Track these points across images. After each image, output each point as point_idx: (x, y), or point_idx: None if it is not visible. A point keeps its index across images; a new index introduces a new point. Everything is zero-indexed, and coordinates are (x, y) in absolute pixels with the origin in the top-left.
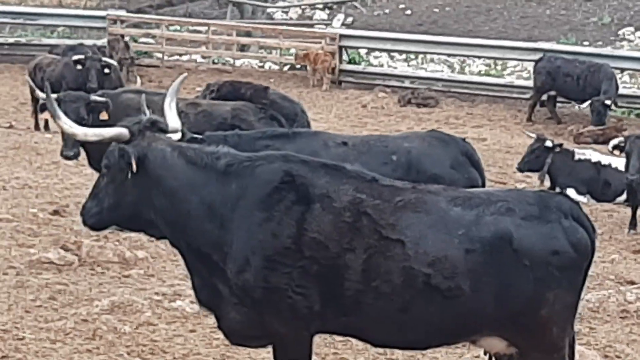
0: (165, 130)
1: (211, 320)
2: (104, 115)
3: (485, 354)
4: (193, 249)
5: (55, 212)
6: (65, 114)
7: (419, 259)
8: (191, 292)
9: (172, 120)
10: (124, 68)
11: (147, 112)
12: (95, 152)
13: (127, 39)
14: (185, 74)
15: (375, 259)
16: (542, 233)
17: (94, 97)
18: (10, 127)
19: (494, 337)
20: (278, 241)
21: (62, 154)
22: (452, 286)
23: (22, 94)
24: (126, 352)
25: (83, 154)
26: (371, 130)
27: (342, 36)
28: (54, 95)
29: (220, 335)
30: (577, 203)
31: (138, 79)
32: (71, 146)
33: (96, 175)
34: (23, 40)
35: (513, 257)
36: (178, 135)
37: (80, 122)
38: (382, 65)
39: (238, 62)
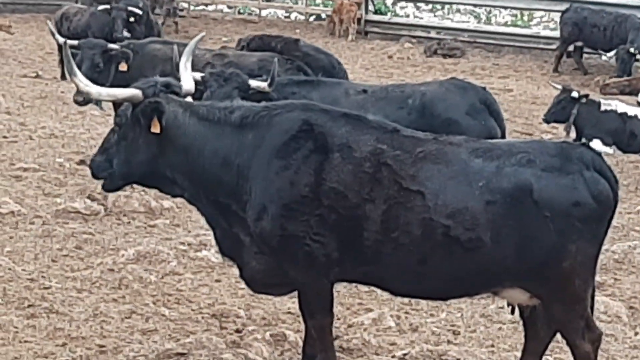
0: (178, 93)
1: (236, 270)
2: (123, 67)
3: (508, 305)
4: (212, 201)
5: (82, 162)
6: (82, 60)
7: (438, 211)
8: None
9: (187, 81)
10: (168, 19)
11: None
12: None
13: None
14: (203, 33)
15: (394, 210)
16: (563, 184)
17: (111, 46)
18: (37, 76)
19: (515, 289)
20: (295, 189)
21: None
22: (472, 237)
23: (49, 43)
24: (152, 302)
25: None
26: (397, 80)
27: None
28: (74, 42)
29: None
30: (599, 154)
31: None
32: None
33: None
34: None
35: (533, 208)
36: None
37: (94, 69)
38: (408, 16)
39: (264, 12)
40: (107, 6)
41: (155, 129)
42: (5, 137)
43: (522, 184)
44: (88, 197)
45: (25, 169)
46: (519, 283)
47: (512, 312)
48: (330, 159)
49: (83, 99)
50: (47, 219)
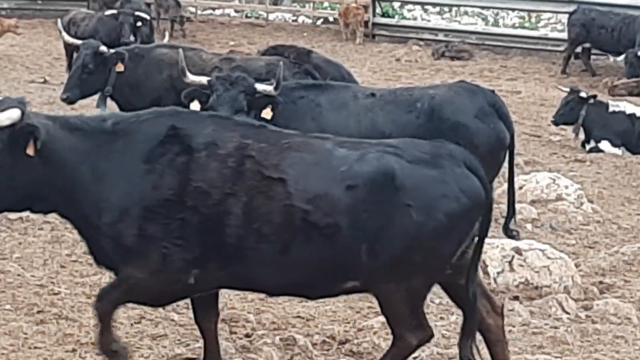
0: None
1: None
2: (119, 67)
3: None
4: (82, 215)
5: None
6: (76, 60)
7: (299, 196)
8: None
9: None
10: (174, 25)
11: (185, 67)
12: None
13: None
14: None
15: (256, 200)
16: (429, 175)
17: (102, 48)
18: (45, 82)
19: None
20: (159, 192)
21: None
22: (330, 223)
23: (56, 48)
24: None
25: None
26: (405, 83)
27: None
28: (77, 42)
29: None
30: (472, 154)
31: (167, 34)
32: (67, 88)
33: None
34: None
35: (395, 195)
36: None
37: (83, 69)
38: (415, 19)
39: (271, 16)
40: (115, 11)
41: (31, 151)
42: None
43: (385, 169)
44: None
45: None
46: (373, 275)
47: None
48: (195, 158)
49: (67, 97)
50: (55, 224)
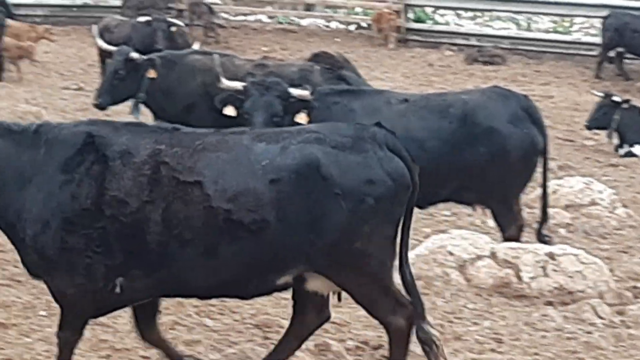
0: None
1: None
2: (150, 74)
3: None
4: (8, 222)
5: None
6: (109, 67)
7: (218, 197)
8: None
9: None
10: (207, 31)
11: (222, 74)
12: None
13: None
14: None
15: (174, 206)
16: (354, 161)
17: (133, 54)
18: (79, 89)
19: (313, 274)
20: (77, 202)
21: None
22: (256, 219)
23: (90, 55)
24: (194, 312)
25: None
26: (438, 88)
27: None
28: (111, 48)
29: (289, 294)
30: (393, 133)
31: (197, 41)
32: (99, 94)
33: None
34: (91, 2)
35: (322, 185)
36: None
37: (114, 75)
38: (448, 24)
39: (304, 22)
40: (148, 18)
41: None
42: None
43: (309, 160)
44: None
45: None
46: (313, 265)
47: (339, 299)
48: (110, 167)
49: (99, 103)
50: None
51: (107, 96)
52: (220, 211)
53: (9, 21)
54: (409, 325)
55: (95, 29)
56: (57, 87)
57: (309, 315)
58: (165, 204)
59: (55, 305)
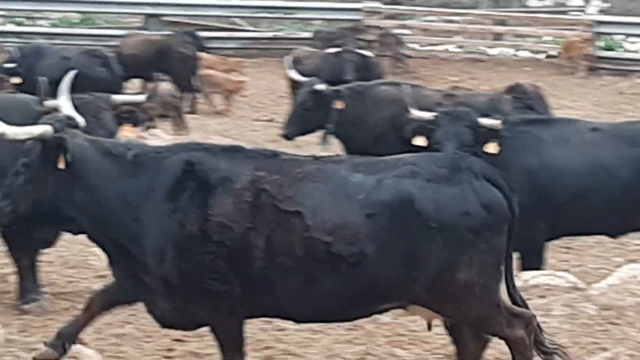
0: (77, 126)
1: None
2: (338, 104)
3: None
4: (113, 242)
5: None
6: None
7: (318, 228)
8: None
9: (76, 115)
10: (396, 62)
11: (411, 104)
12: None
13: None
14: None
15: (276, 234)
16: (448, 194)
17: (318, 86)
18: (270, 120)
19: (416, 305)
20: (186, 230)
21: None
22: (354, 252)
23: (281, 87)
24: (385, 342)
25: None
26: (628, 117)
27: (597, 22)
28: (302, 79)
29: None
30: (489, 164)
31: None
32: (287, 125)
33: None
34: (281, 33)
35: (417, 219)
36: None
37: (301, 107)
38: (638, 52)
39: (492, 51)
40: (338, 49)
41: (61, 164)
42: None
43: (402, 195)
44: None
45: None
46: (416, 299)
47: (429, 328)
48: (213, 194)
49: (287, 134)
50: None
51: (295, 127)
52: (320, 242)
53: (201, 54)
54: (529, 332)
55: (287, 60)
56: (249, 118)
57: (469, 344)
58: (268, 232)
59: (248, 334)
